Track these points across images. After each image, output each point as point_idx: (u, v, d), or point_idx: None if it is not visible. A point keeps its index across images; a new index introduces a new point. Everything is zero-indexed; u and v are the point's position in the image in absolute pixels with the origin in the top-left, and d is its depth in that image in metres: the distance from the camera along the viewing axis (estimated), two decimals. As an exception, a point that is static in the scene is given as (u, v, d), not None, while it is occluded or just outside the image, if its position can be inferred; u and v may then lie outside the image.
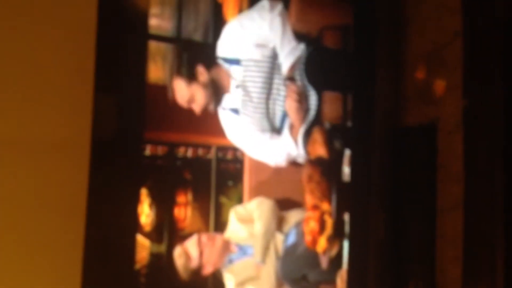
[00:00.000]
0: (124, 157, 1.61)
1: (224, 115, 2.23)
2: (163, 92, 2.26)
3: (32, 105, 1.57)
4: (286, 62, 2.10)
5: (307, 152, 2.06)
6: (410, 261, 1.39)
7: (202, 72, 2.11)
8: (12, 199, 1.51)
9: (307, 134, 2.05)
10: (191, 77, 2.13)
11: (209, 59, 2.21)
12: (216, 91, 2.15)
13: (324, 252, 1.80)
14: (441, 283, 1.29)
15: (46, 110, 1.57)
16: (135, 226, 2.11)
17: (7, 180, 1.50)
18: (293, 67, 2.10)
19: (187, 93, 2.13)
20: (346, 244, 1.62)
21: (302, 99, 2.08)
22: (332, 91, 2.08)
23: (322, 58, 2.04)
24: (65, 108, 1.54)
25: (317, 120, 2.10)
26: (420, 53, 1.48)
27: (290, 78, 2.13)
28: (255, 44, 2.13)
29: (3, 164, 1.50)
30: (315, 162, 1.90)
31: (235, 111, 2.19)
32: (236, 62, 2.16)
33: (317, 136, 1.96)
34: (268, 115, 2.19)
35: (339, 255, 1.72)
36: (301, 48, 2.07)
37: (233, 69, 2.15)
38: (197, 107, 2.15)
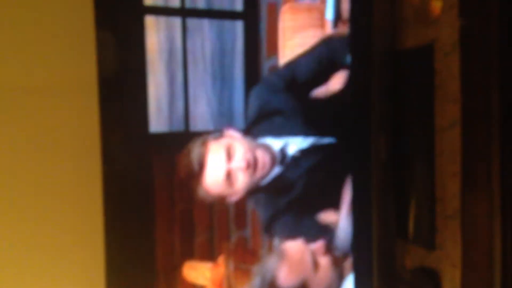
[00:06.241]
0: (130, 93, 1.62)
1: None
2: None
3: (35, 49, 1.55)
4: None
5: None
6: (411, 178, 1.47)
7: None
8: (25, 143, 1.53)
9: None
10: None
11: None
12: None
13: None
14: (441, 196, 1.38)
15: (49, 51, 1.55)
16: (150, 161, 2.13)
17: (19, 126, 1.52)
18: None
19: None
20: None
21: None
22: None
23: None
24: (68, 48, 1.53)
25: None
26: (416, -27, 1.47)
27: None
28: None
29: (12, 111, 1.51)
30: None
31: None
32: None
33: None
34: None
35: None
36: None
37: None
38: None
